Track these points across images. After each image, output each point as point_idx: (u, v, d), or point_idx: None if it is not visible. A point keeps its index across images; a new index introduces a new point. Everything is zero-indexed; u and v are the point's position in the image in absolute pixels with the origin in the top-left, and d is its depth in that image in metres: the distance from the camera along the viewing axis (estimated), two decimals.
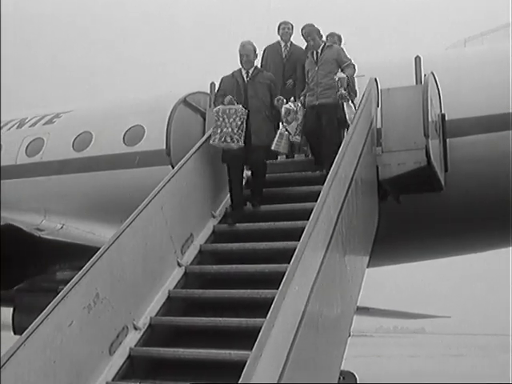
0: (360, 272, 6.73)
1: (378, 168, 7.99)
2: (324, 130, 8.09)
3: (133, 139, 10.77)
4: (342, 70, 8.12)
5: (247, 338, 4.43)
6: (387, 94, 8.31)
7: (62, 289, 4.98)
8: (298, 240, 4.87)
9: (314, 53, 8.45)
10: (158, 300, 5.81)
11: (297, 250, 4.68)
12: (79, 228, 10.74)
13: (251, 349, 3.87)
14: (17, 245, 9.65)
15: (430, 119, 7.88)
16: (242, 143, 7.28)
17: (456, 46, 10.97)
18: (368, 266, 7.27)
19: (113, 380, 5.04)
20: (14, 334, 11.94)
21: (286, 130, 8.02)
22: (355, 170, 6.66)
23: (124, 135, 10.87)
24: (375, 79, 8.61)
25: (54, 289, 11.27)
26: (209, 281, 6.29)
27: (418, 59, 8.46)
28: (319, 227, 5.09)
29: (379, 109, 8.38)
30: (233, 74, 7.87)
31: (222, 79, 7.95)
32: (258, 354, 3.73)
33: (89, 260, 5.19)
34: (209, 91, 8.93)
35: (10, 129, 12.94)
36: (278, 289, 4.35)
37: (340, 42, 9.25)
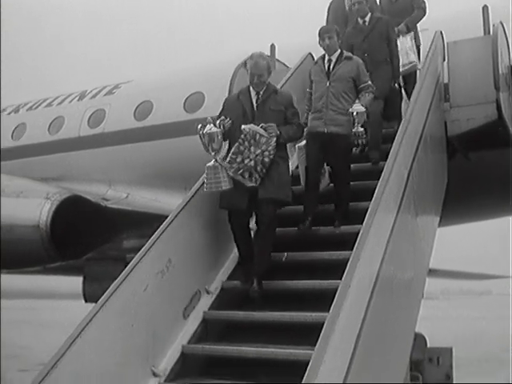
0: (431, 231, 6.56)
1: (446, 124, 7.76)
2: (335, 168, 6.42)
3: (193, 106, 10.76)
4: (358, 93, 6.39)
5: (322, 300, 4.40)
6: (454, 47, 7.99)
7: (130, 257, 5.04)
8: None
9: (326, 60, 6.53)
10: (229, 265, 5.81)
11: (369, 210, 4.56)
12: (144, 196, 10.88)
13: (327, 311, 3.81)
14: (84, 215, 9.86)
15: (500, 71, 7.55)
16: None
17: None
18: (438, 226, 7.10)
19: (188, 343, 5.11)
20: (85, 301, 12.37)
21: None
22: (424, 126, 6.45)
23: (184, 102, 10.87)
24: (441, 32, 8.31)
25: (122, 257, 11.59)
26: (279, 243, 6.22)
27: (485, 9, 8.11)
28: (391, 186, 4.95)
29: (446, 63, 8.10)
30: (239, 95, 6.02)
31: (225, 100, 6.19)
32: (336, 314, 3.67)
33: (158, 227, 5.23)
34: (269, 53, 8.79)
35: (71, 101, 13.15)
36: (351, 250, 4.27)
37: None
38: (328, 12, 8.73)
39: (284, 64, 9.25)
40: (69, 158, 12.04)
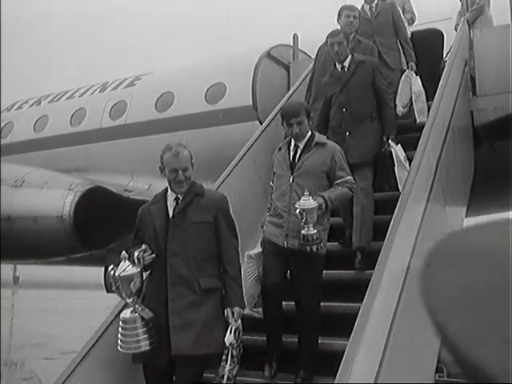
0: (459, 222, 6.51)
1: (472, 114, 7.67)
2: (300, 294, 4.59)
3: (215, 97, 10.72)
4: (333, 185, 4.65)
5: None
6: (480, 35, 7.89)
7: None
8: None
9: (292, 147, 4.83)
10: None
11: (400, 199, 4.54)
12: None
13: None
14: (107, 206, 9.90)
15: None
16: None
17: None
18: (466, 216, 7.03)
19: None
20: (107, 291, 12.44)
21: None
22: (451, 116, 6.38)
23: (206, 93, 10.83)
24: (467, 21, 8.21)
25: None
26: None
27: None
28: (420, 175, 4.91)
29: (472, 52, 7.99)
30: (152, 202, 4.29)
31: (140, 211, 4.33)
32: (371, 303, 3.64)
33: None
34: (291, 43, 8.75)
35: (92, 93, 13.17)
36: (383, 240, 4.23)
37: None
38: (314, 62, 7.22)
39: (307, 54, 9.19)
40: (91, 150, 12.07)
